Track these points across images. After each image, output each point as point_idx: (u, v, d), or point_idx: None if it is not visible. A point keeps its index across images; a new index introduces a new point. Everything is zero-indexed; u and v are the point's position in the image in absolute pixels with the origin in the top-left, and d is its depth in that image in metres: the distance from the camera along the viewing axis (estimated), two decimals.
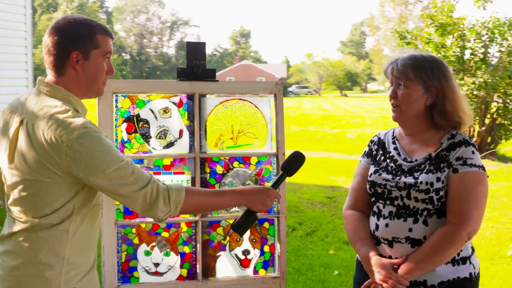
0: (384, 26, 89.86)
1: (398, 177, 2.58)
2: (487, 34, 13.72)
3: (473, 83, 13.32)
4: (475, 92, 13.44)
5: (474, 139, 14.12)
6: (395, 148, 2.70)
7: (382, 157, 2.73)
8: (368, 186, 2.71)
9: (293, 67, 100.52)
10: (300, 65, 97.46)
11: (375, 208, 2.69)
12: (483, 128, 13.99)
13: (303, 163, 2.53)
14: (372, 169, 2.73)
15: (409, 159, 2.63)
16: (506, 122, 13.99)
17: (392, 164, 2.66)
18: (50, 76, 2.32)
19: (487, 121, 14.09)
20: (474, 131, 14.18)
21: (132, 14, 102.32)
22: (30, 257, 2.24)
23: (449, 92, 2.55)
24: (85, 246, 2.36)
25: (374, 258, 2.58)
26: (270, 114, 3.34)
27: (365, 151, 2.86)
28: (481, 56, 13.88)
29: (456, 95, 2.58)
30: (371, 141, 2.86)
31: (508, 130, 14.02)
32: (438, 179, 2.49)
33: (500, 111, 13.97)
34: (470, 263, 2.55)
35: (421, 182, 2.49)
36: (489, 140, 14.48)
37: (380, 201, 2.65)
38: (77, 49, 2.26)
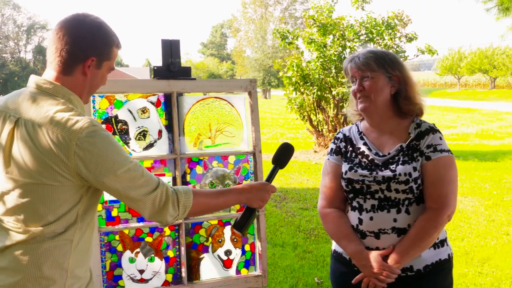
0: (246, 28, 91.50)
1: (375, 172, 2.66)
2: (365, 33, 14.41)
3: None
4: None
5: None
6: (364, 144, 2.77)
7: (353, 154, 2.78)
8: (344, 184, 2.75)
9: (156, 69, 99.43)
10: None
11: (354, 203, 2.74)
12: None
13: (293, 153, 2.55)
14: (345, 166, 2.77)
15: (381, 153, 2.71)
16: None
17: (364, 160, 2.73)
18: (52, 72, 2.14)
19: None
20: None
21: None
22: (31, 272, 2.06)
23: (408, 80, 2.70)
24: (86, 256, 2.22)
25: (364, 253, 2.64)
26: (245, 112, 3.31)
27: (332, 148, 2.90)
28: None
29: (413, 83, 2.73)
30: (336, 138, 2.91)
31: None
32: (414, 169, 2.59)
33: None
34: (447, 245, 2.72)
35: (399, 174, 2.59)
36: None
37: (360, 196, 2.71)
38: (95, 56, 2.14)
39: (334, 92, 14.13)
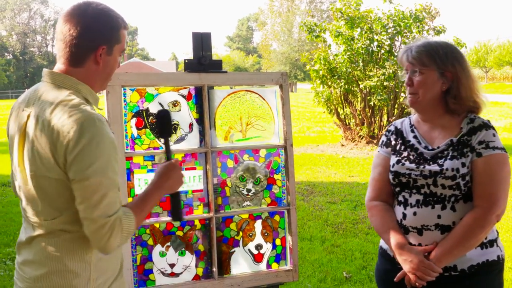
0: (272, 21, 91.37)
1: (422, 166, 2.58)
2: (393, 26, 14.27)
3: (383, 74, 13.80)
4: (385, 83, 13.92)
5: (385, 129, 14.67)
6: (415, 137, 2.70)
7: (402, 147, 2.72)
8: (391, 177, 2.69)
9: (181, 63, 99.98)
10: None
11: (400, 198, 2.68)
12: (393, 118, 14.54)
13: (170, 115, 2.37)
14: (393, 159, 2.71)
15: (430, 147, 2.63)
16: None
17: (413, 153, 2.66)
18: (62, 65, 2.11)
19: (396, 111, 14.66)
20: (382, 121, 14.73)
21: (12, 12, 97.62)
22: (54, 265, 2.05)
23: (463, 77, 2.57)
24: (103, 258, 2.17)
25: (405, 247, 2.57)
26: (276, 105, 3.28)
27: (383, 141, 2.84)
28: (388, 48, 14.43)
29: (471, 80, 2.60)
30: (388, 131, 2.85)
31: None
32: (463, 165, 2.50)
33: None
34: (497, 245, 2.59)
35: (446, 169, 2.50)
36: None
37: (406, 191, 2.64)
38: (105, 43, 2.09)
39: (361, 86, 14.04)
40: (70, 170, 1.94)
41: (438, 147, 2.59)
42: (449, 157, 2.53)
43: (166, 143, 2.32)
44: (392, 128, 2.83)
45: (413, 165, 2.60)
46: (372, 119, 14.81)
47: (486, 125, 2.56)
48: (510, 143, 15.98)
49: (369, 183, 2.87)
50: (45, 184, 2.02)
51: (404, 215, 2.62)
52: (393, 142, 2.77)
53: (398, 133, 2.77)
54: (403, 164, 2.63)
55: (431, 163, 2.56)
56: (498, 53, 59.80)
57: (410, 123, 2.76)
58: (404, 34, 14.31)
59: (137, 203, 2.15)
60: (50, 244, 2.06)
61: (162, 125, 2.34)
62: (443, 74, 2.56)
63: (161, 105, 3.02)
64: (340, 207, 8.20)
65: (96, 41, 2.08)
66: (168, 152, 2.33)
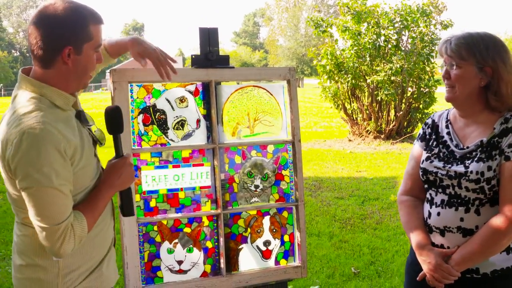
0: (279, 16, 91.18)
1: (449, 165, 2.50)
2: (400, 21, 14.21)
3: (390, 69, 13.75)
4: (392, 78, 13.86)
5: (392, 123, 14.62)
6: (448, 133, 2.61)
7: (435, 142, 2.64)
8: (420, 173, 2.63)
9: (188, 59, 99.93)
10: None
11: (428, 195, 2.63)
12: (401, 113, 14.49)
13: (120, 113, 2.34)
14: (424, 155, 2.64)
15: (461, 146, 2.53)
16: (420, 106, 14.60)
17: (444, 150, 2.58)
18: (35, 67, 2.15)
19: (403, 106, 14.60)
20: (390, 115, 14.68)
21: (19, 9, 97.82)
22: (26, 259, 2.17)
23: (504, 73, 2.42)
24: (86, 245, 2.22)
25: (426, 248, 2.53)
26: (284, 100, 3.26)
27: (419, 134, 2.76)
28: (394, 43, 14.38)
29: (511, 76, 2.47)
30: (425, 124, 2.76)
31: (423, 113, 14.61)
32: (489, 168, 2.39)
33: (415, 95, 14.54)
34: None
35: (471, 172, 2.41)
36: (405, 124, 15.03)
37: (433, 189, 2.58)
38: (70, 44, 2.08)
39: (368, 80, 14.01)
40: (16, 179, 1.99)
41: (468, 147, 2.50)
42: (476, 159, 2.44)
43: (116, 140, 2.31)
44: (429, 121, 2.76)
45: (441, 164, 2.54)
46: (380, 114, 14.77)
47: None
48: None
49: (404, 175, 2.81)
50: (10, 188, 2.10)
51: (430, 214, 2.58)
52: (427, 137, 2.70)
53: (434, 127, 2.70)
54: (432, 162, 2.58)
55: (459, 162, 2.48)
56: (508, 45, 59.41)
57: (447, 117, 2.68)
58: (411, 29, 14.26)
59: (88, 204, 2.17)
60: (23, 240, 2.17)
61: (111, 121, 2.31)
62: (482, 69, 2.44)
63: (168, 101, 3.00)
64: (348, 203, 8.18)
65: (60, 42, 2.07)
66: (118, 149, 2.32)
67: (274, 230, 3.23)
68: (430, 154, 2.61)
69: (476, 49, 2.43)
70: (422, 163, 2.63)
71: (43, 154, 1.94)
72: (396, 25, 14.37)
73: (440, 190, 2.54)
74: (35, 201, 1.96)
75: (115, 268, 2.47)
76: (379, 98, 14.09)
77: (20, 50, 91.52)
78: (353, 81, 14.13)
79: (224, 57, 3.11)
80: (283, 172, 3.24)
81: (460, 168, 2.45)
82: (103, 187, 2.22)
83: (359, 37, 14.29)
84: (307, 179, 9.92)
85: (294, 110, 3.24)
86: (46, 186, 1.95)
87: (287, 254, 3.27)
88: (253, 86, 3.20)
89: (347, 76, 14.18)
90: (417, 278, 2.58)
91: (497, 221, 2.36)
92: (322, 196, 8.67)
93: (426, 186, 2.63)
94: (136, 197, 2.92)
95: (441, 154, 2.58)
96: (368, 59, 14.20)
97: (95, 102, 33.11)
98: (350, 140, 15.18)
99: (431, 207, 2.58)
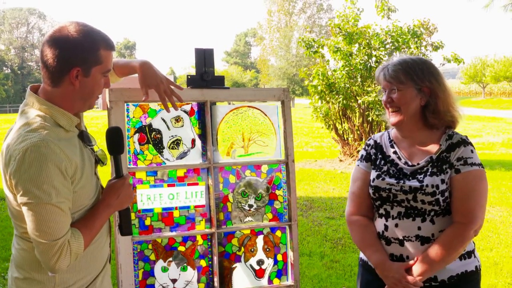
0: (270, 36, 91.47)
1: (402, 181, 2.62)
2: (391, 42, 14.33)
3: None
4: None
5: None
6: (395, 152, 2.74)
7: (382, 161, 2.76)
8: (371, 191, 2.73)
9: (179, 78, 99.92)
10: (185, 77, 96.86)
11: (381, 211, 2.72)
12: None
13: (121, 132, 2.37)
14: (373, 174, 2.75)
15: (410, 163, 2.68)
16: None
17: (393, 168, 2.70)
18: (44, 84, 2.21)
19: None
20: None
21: (10, 26, 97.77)
22: (22, 273, 2.20)
23: (440, 92, 2.63)
24: (82, 261, 2.26)
25: (386, 264, 2.63)
26: (278, 121, 3.30)
27: (362, 155, 2.88)
28: None
29: (447, 95, 2.67)
30: (367, 145, 2.89)
31: None
32: (442, 181, 2.56)
33: None
34: (475, 256, 2.67)
35: (426, 185, 2.56)
36: None
37: (387, 204, 2.69)
38: (79, 65, 2.14)
39: (359, 101, 14.07)
40: (17, 194, 2.03)
41: (418, 164, 2.65)
42: (428, 173, 2.59)
43: (116, 160, 2.34)
44: (371, 142, 2.88)
45: (393, 180, 2.66)
46: (370, 134, 14.82)
47: (464, 142, 2.64)
48: (507, 158, 16.04)
49: (348, 197, 2.91)
50: (11, 202, 2.14)
51: (386, 227, 2.69)
52: (373, 157, 2.82)
53: (378, 147, 2.83)
54: (383, 179, 2.69)
55: (410, 178, 2.62)
56: (496, 67, 59.95)
57: (389, 138, 2.82)
58: (402, 50, 14.37)
59: (86, 222, 2.20)
60: (21, 253, 2.21)
61: (112, 142, 2.35)
62: (421, 89, 2.63)
63: (164, 120, 3.04)
64: (339, 223, 8.20)
65: (70, 62, 2.12)
66: (118, 169, 2.35)
67: (268, 249, 3.26)
68: (380, 172, 2.72)
69: (413, 72, 2.62)
70: (373, 182, 2.72)
71: (44, 172, 1.98)
72: (387, 46, 14.47)
73: (395, 204, 2.66)
74: (34, 217, 1.99)
75: (110, 284, 2.49)
76: (370, 118, 14.17)
77: (11, 67, 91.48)
78: (344, 101, 14.20)
79: (219, 77, 3.15)
80: (277, 192, 3.27)
81: (415, 183, 2.59)
82: (101, 207, 2.25)
83: (350, 57, 14.37)
84: (298, 199, 9.94)
85: (288, 130, 3.28)
86: (46, 203, 1.98)
87: (280, 273, 3.29)
88: (248, 106, 3.25)
89: (338, 96, 14.25)
90: None
91: (453, 230, 2.54)
92: (313, 216, 8.69)
93: (378, 203, 2.72)
94: (131, 216, 2.94)
95: (390, 171, 2.70)
96: (359, 79, 14.28)
97: (86, 119, 32.98)
98: (341, 160, 15.23)
99: (387, 220, 2.68)
